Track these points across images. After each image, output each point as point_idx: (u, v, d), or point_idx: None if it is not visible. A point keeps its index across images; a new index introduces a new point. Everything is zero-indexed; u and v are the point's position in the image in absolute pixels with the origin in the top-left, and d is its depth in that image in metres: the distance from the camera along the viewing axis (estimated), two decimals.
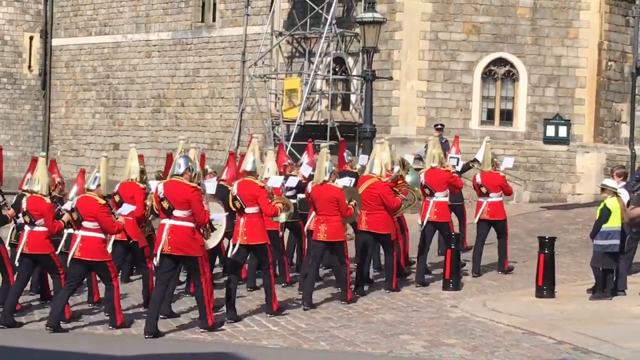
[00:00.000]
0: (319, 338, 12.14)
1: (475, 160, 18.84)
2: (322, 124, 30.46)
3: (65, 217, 13.85)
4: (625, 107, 30.98)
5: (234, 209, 14.02)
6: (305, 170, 17.21)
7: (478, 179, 17.89)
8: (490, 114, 30.21)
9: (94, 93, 39.63)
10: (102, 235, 13.27)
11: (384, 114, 29.72)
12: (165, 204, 12.78)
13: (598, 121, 30.07)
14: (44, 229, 13.81)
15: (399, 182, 15.73)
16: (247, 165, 14.27)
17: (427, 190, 16.72)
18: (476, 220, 17.71)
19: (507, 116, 29.94)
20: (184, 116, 36.48)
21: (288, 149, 29.98)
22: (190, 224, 12.76)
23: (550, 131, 29.27)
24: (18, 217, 14.73)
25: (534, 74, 29.76)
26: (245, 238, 13.80)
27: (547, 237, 15.64)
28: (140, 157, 16.01)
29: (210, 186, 13.98)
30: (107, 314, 13.79)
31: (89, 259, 13.21)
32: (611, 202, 14.78)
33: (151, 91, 37.56)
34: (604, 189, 15.23)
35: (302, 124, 30.86)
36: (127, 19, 38.50)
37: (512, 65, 29.91)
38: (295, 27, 31.91)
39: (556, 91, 29.76)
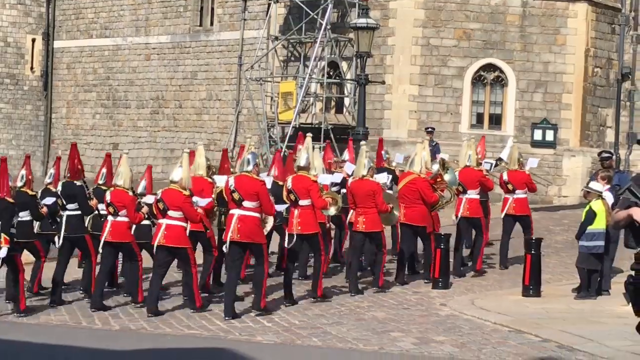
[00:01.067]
0: (311, 334, 12.15)
1: (499, 159, 19.52)
2: (317, 126, 30.47)
3: (145, 209, 14.73)
4: (610, 113, 31.06)
5: (288, 202, 14.80)
6: (348, 168, 17.71)
7: (505, 177, 18.35)
8: (479, 118, 30.27)
9: (94, 94, 39.62)
10: (184, 224, 14.02)
11: (377, 117, 29.75)
12: (236, 196, 13.60)
13: (584, 126, 30.14)
14: (126, 219, 14.67)
15: (437, 179, 16.65)
16: (301, 161, 14.89)
17: (460, 188, 17.33)
18: (502, 215, 18.15)
19: (496, 120, 30.01)
20: (182, 117, 36.48)
21: (283, 149, 30.01)
22: (257, 214, 13.66)
23: (538, 135, 29.34)
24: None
25: (523, 79, 29.81)
26: (299, 228, 14.54)
27: (533, 238, 15.74)
28: (192, 154, 16.29)
29: (268, 181, 14.78)
30: (164, 296, 15.13)
31: (173, 245, 13.91)
32: (596, 205, 14.83)
33: (150, 93, 37.55)
34: (589, 192, 15.29)
35: (297, 126, 30.83)
36: (127, 23, 38.49)
37: (501, 71, 29.96)
38: (290, 32, 31.93)
39: (544, 96, 29.82)
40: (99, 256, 15.27)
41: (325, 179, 15.61)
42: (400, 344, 11.52)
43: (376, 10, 29.37)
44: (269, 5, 32.90)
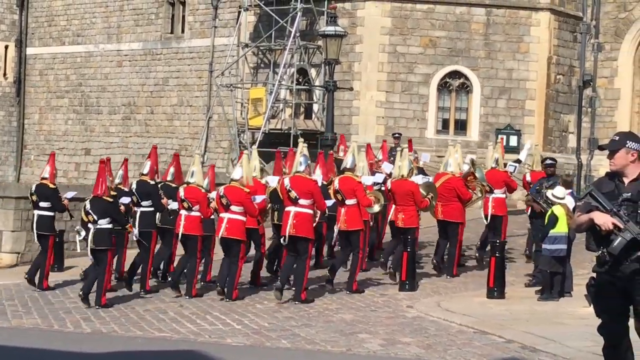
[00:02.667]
0: (280, 336, 12.13)
1: (517, 160, 20.58)
2: (286, 131, 30.49)
3: (213, 204, 15.73)
4: (572, 119, 31.24)
5: (336, 201, 15.87)
6: (387, 167, 18.61)
7: (528, 177, 19.57)
8: (445, 124, 30.36)
9: (66, 100, 39.39)
10: (244, 219, 15.26)
11: (345, 123, 29.78)
12: (292, 194, 14.84)
13: (547, 131, 30.30)
14: (198, 214, 15.81)
15: (469, 178, 17.81)
16: (348, 163, 16.00)
17: (487, 187, 18.19)
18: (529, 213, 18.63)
19: (462, 126, 30.12)
20: (154, 123, 36.35)
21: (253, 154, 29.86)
22: (311, 211, 14.92)
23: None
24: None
25: (487, 86, 29.94)
26: (345, 225, 15.60)
27: (497, 241, 15.81)
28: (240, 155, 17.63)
29: (273, 181, 16.36)
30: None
31: (232, 237, 15.12)
32: (558, 209, 14.91)
33: (122, 99, 37.39)
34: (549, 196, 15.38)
35: (267, 132, 30.85)
36: (99, 30, 38.31)
37: (466, 78, 30.08)
38: (260, 39, 31.91)
39: (507, 102, 29.96)
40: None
41: (368, 180, 16.51)
42: (368, 346, 11.52)
43: (344, 19, 29.40)
44: (239, 13, 32.85)
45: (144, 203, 16.49)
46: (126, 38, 37.44)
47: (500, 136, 26.46)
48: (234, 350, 11.38)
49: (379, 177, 17.64)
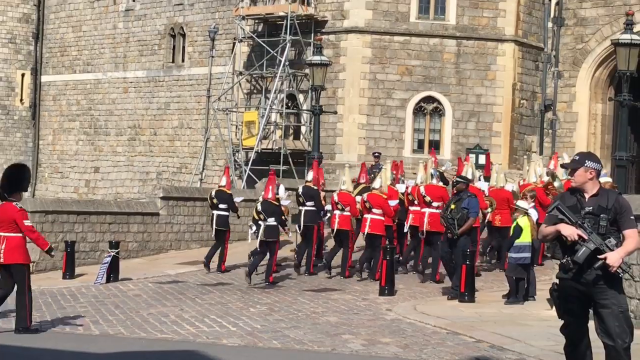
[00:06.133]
0: (272, 337, 12.06)
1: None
2: (277, 151, 30.47)
3: (358, 206, 18.19)
4: (535, 139, 31.33)
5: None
6: (482, 185, 19.61)
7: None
8: (420, 144, 30.39)
9: (77, 123, 39.31)
10: (383, 218, 17.50)
11: (330, 143, 29.78)
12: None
13: (512, 151, 30.36)
14: (349, 213, 18.21)
15: (549, 186, 18.96)
16: (376, 184, 18.10)
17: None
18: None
19: (435, 146, 30.11)
20: (157, 144, 36.28)
21: (247, 173, 29.97)
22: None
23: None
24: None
25: (458, 110, 30.00)
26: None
27: (467, 250, 15.71)
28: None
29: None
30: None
31: (375, 232, 17.39)
32: (523, 221, 14.89)
33: (128, 122, 37.31)
34: (516, 209, 15.36)
35: (259, 151, 30.85)
36: (107, 59, 38.26)
37: (439, 102, 30.14)
38: (253, 68, 31.93)
39: (477, 125, 30.01)
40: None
41: (483, 185, 18.99)
42: (351, 346, 11.46)
43: (329, 49, 29.44)
44: (234, 44, 32.88)
45: (308, 203, 18.89)
46: (131, 67, 37.39)
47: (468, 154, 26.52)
48: (229, 350, 11.31)
49: (484, 185, 19.39)
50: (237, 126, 32.62)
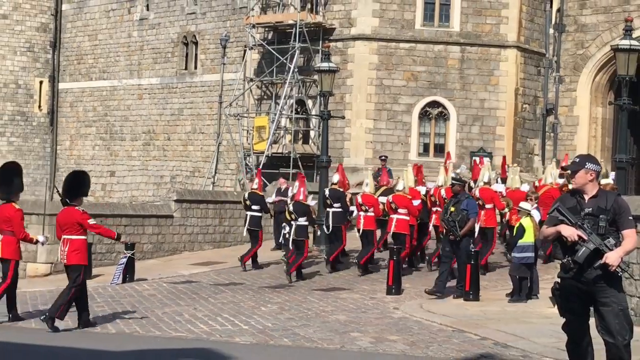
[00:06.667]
0: (282, 335, 12.08)
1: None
2: (286, 155, 30.50)
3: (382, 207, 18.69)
4: (537, 142, 31.29)
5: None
6: (498, 187, 20.00)
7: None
8: (426, 147, 30.38)
9: (94, 129, 39.40)
10: (408, 219, 18.00)
11: (338, 147, 29.79)
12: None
13: (515, 154, 30.32)
14: (372, 214, 18.60)
15: (563, 188, 18.57)
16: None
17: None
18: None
19: (440, 149, 30.11)
20: (170, 148, 36.34)
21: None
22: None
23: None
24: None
25: (462, 114, 29.98)
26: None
27: (472, 250, 15.69)
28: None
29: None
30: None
31: (401, 231, 17.96)
32: (526, 221, 14.90)
33: (142, 127, 37.39)
34: (519, 210, 15.36)
35: (270, 155, 30.88)
36: (122, 67, 38.35)
37: (444, 107, 30.12)
38: (263, 74, 31.97)
39: (480, 129, 29.99)
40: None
41: (499, 187, 19.31)
42: (359, 343, 11.48)
43: (337, 56, 29.46)
44: (245, 51, 32.92)
45: (335, 205, 19.28)
46: (146, 74, 37.47)
47: (474, 157, 26.49)
48: (242, 347, 11.34)
49: (500, 187, 19.68)
50: (248, 131, 32.67)
